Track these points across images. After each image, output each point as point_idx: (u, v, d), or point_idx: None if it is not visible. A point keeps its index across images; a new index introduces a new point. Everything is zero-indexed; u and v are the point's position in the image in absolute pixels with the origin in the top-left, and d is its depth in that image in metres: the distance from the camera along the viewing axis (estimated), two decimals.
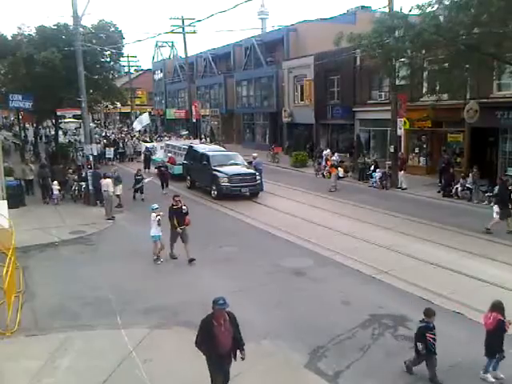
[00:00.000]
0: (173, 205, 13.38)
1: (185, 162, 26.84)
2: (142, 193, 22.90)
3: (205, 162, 23.80)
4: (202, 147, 27.35)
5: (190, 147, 27.17)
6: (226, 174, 22.37)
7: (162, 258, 13.68)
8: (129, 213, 20.36)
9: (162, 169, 24.56)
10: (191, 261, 13.33)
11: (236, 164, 23.92)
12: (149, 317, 10.14)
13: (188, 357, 8.46)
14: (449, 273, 12.46)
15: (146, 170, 29.95)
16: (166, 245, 13.83)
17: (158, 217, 13.31)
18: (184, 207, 13.41)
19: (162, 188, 24.23)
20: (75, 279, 12.46)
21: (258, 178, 22.99)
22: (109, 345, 8.93)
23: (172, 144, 32.51)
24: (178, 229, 13.31)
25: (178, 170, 27.57)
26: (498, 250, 14.35)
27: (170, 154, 29.89)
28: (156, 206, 13.64)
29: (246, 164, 24.65)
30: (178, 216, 13.24)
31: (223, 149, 29.11)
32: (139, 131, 49.21)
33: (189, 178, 26.14)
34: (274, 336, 9.28)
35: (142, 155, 33.67)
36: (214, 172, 22.76)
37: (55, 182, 22.21)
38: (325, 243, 15.17)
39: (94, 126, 62.39)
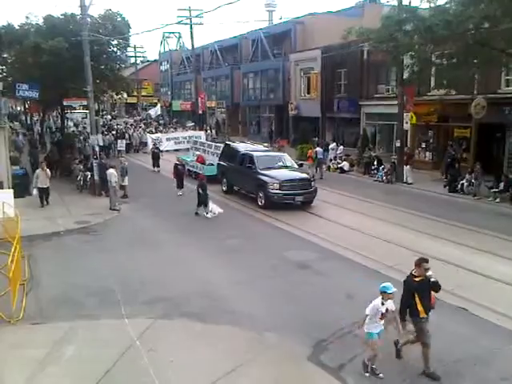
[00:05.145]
0: (413, 275, 7.80)
1: (220, 162, 23.26)
2: (206, 205, 18.24)
3: (248, 165, 20.36)
4: (242, 146, 23.50)
5: (227, 145, 23.76)
6: (277, 180, 18.86)
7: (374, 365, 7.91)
8: (134, 204, 20.39)
9: (180, 167, 21.93)
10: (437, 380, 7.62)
11: (285, 167, 20.60)
12: (153, 307, 10.17)
13: (191, 347, 8.52)
14: (454, 268, 12.42)
15: (155, 168, 28.70)
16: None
17: (388, 304, 7.60)
18: (433, 278, 7.86)
19: (178, 188, 21.85)
20: (80, 269, 12.51)
21: (313, 183, 19.81)
22: (113, 334, 8.97)
23: (201, 141, 29.21)
24: (424, 316, 7.68)
25: (210, 170, 23.54)
26: (504, 246, 14.30)
27: (198, 153, 27.01)
28: (392, 287, 7.55)
29: (296, 167, 21.57)
30: (421, 294, 7.66)
31: (267, 149, 25.94)
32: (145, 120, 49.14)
33: (225, 181, 22.44)
34: (277, 328, 9.29)
35: (150, 152, 30.73)
36: (261, 176, 19.35)
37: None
38: (330, 237, 15.16)
39: (110, 117, 61.84)
